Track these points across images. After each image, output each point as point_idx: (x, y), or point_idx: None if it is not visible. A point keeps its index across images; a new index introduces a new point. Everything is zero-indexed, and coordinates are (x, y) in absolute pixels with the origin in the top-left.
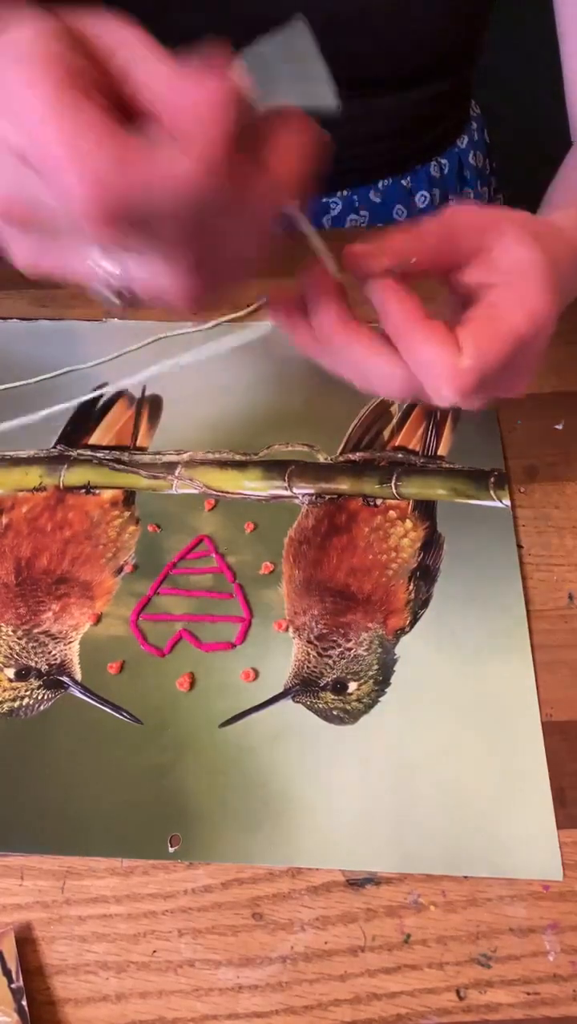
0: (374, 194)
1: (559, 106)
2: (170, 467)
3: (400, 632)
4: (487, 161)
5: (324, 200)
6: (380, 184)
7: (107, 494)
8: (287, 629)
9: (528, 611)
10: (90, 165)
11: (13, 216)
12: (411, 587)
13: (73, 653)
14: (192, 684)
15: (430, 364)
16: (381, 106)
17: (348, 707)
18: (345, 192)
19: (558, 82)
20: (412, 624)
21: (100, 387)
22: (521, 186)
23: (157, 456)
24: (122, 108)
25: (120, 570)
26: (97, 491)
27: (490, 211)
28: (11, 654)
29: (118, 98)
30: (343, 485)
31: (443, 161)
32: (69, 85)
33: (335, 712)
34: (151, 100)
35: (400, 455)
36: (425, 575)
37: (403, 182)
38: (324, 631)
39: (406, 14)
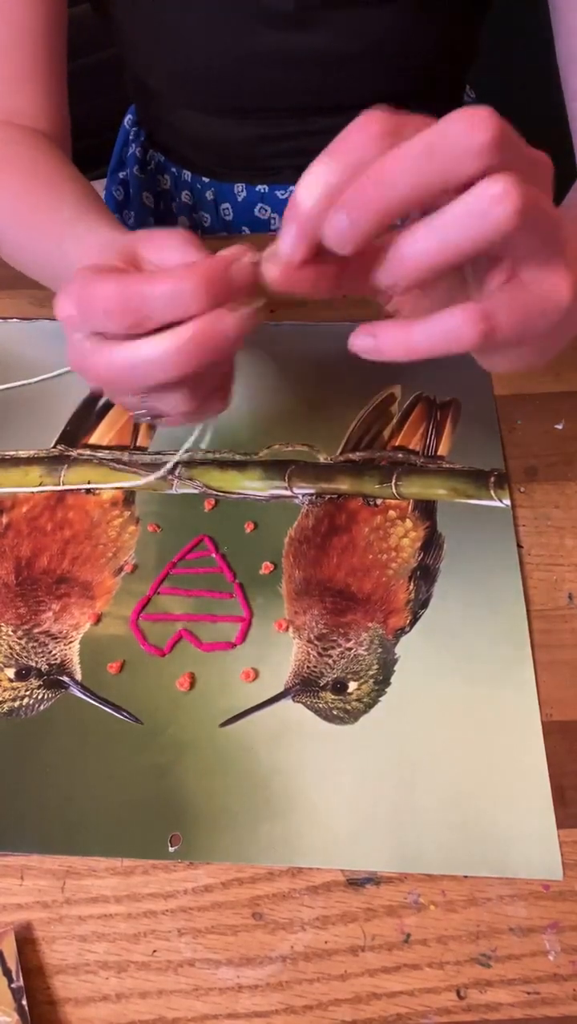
0: None
1: (554, 80)
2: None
3: (400, 632)
4: None
5: None
6: None
7: (107, 494)
8: (287, 629)
9: (528, 611)
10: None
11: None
12: (411, 587)
13: (73, 653)
14: (192, 684)
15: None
16: None
17: (348, 707)
18: None
19: (552, 62)
20: (412, 624)
21: None
22: None
23: (157, 456)
24: None
25: (120, 570)
26: (97, 491)
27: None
28: (11, 654)
29: None
30: (343, 485)
31: None
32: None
33: (335, 712)
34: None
35: (400, 455)
36: (425, 575)
37: None
38: (324, 631)
39: (402, 49)
